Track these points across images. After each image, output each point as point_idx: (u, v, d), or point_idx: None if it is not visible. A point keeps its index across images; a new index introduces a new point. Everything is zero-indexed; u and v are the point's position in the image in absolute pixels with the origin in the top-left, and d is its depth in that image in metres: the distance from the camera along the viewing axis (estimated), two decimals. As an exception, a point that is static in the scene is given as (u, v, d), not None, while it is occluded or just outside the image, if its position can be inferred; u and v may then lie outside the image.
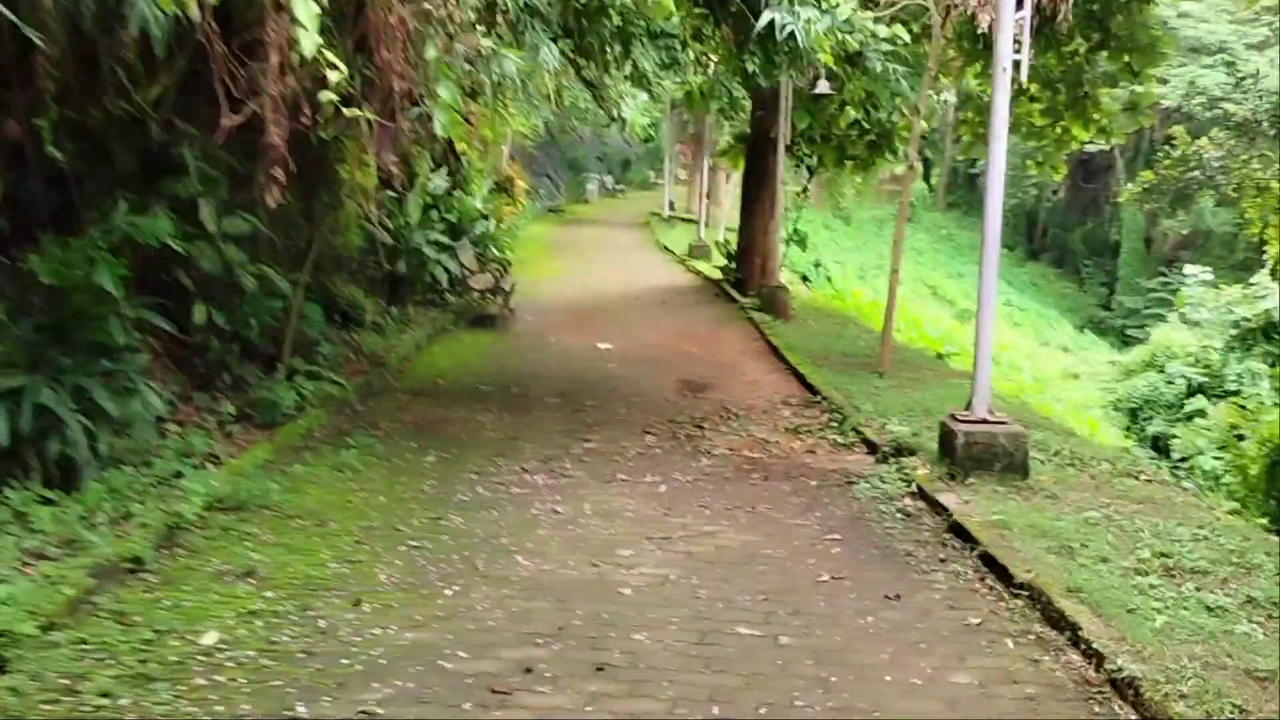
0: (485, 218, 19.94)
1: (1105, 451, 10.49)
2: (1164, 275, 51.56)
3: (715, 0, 10.36)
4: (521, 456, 8.75)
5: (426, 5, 6.18)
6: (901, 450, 9.04)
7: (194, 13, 5.12)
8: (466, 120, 6.84)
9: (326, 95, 5.28)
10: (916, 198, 59.96)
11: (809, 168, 21.10)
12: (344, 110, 6.03)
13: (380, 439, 8.98)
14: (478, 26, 7.19)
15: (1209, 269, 38.60)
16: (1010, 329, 45.80)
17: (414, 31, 6.11)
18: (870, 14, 10.16)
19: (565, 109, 15.96)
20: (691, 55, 16.30)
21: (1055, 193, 58.91)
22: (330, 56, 5.03)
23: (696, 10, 11.07)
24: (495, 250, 19.96)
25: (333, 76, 5.08)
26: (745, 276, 20.83)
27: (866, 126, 19.82)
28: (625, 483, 8.19)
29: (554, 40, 8.74)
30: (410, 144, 19.31)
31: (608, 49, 10.84)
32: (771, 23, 8.74)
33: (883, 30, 9.63)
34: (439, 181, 19.21)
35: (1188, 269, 38.77)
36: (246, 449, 7.99)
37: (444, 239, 15.15)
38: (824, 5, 9.14)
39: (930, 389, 12.54)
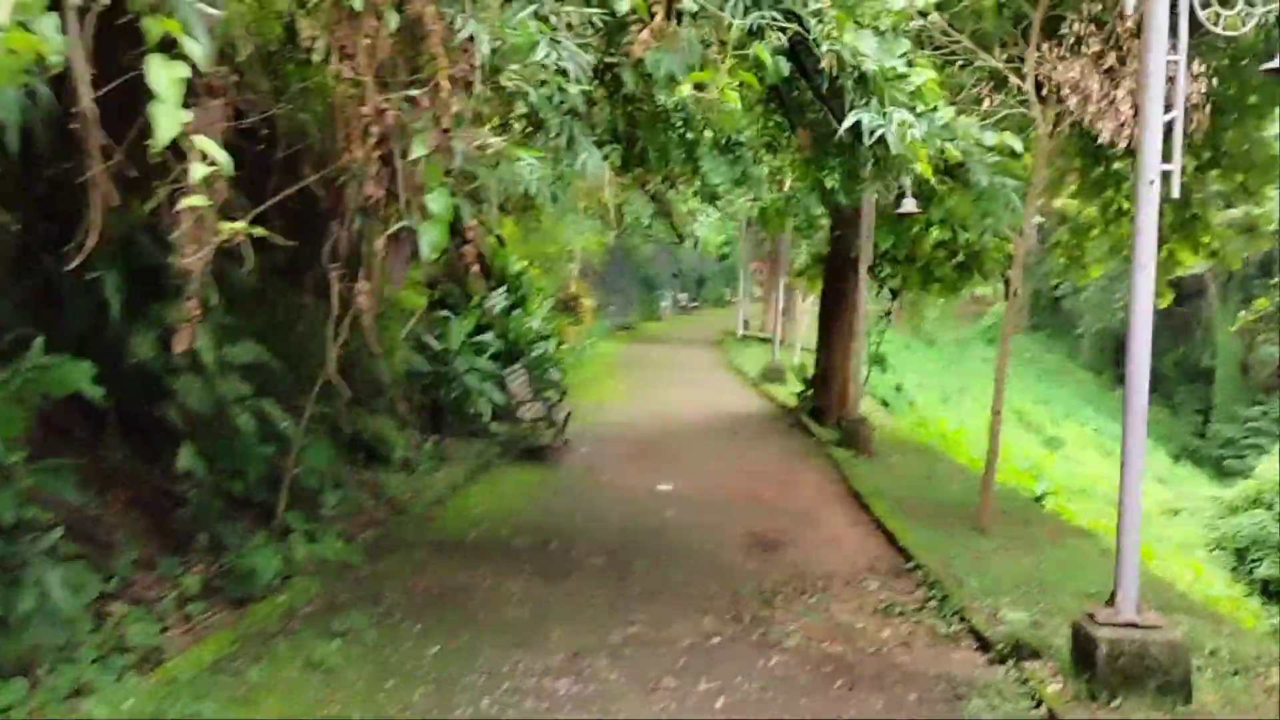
0: (545, 338, 18.52)
1: (1268, 648, 8.43)
2: (1262, 404, 48.59)
3: (793, 106, 8.78)
4: (547, 648, 6.97)
5: (413, 91, 4.69)
6: (1022, 649, 7.12)
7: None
8: (464, 237, 5.37)
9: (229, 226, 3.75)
10: (998, 320, 57.87)
11: (892, 290, 19.41)
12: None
13: (377, 619, 7.26)
14: (487, 121, 5.70)
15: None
16: (1102, 459, 43.05)
17: (395, 124, 4.61)
18: (973, 119, 8.53)
19: (627, 225, 14.50)
20: (765, 169, 14.88)
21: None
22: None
23: (771, 119, 9.54)
24: (553, 373, 18.48)
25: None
26: (823, 405, 19.06)
27: (954, 248, 18.21)
28: (672, 692, 6.35)
29: (600, 145, 7.27)
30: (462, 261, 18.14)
31: (669, 160, 9.33)
32: (858, 126, 7.14)
33: (989, 138, 7.97)
34: (497, 300, 17.90)
35: (1301, 401, 36.09)
36: (202, 639, 6.35)
37: (488, 366, 13.64)
38: (919, 107, 7.52)
39: (1045, 552, 10.57)
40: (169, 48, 2.98)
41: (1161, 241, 18.67)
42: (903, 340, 48.98)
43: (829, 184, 14.61)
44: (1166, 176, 6.73)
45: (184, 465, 7.89)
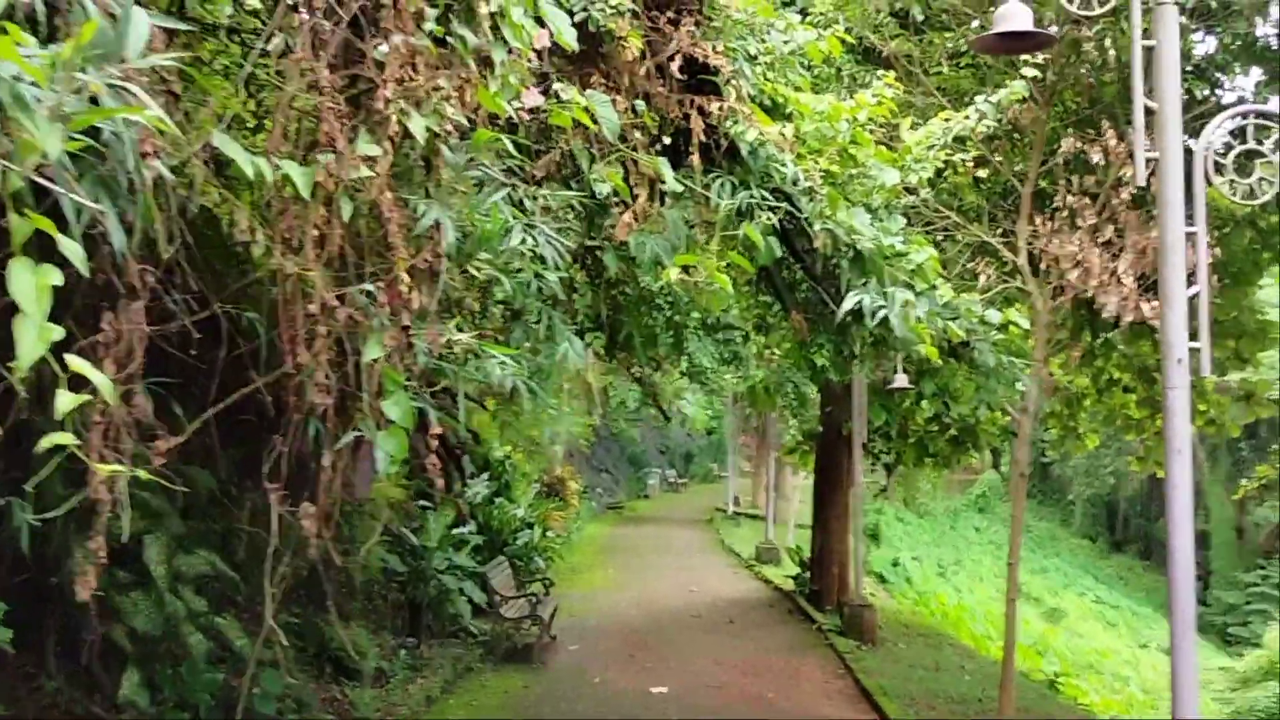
0: (529, 526, 17.71)
1: None
2: (1262, 568, 47.56)
3: (784, 286, 8.33)
4: None
5: (369, 286, 4.12)
6: None
7: None
8: (439, 446, 4.82)
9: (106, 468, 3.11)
10: (988, 488, 57.16)
11: (886, 465, 18.79)
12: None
13: None
14: (459, 312, 5.14)
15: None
16: (1105, 629, 41.77)
17: (347, 322, 4.03)
18: (974, 296, 8.07)
19: (611, 409, 13.95)
20: (754, 349, 14.45)
21: (1135, 482, 55.83)
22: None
23: (761, 298, 9.07)
24: (539, 563, 17.60)
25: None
26: (821, 588, 18.14)
27: (947, 421, 17.69)
28: None
29: (581, 333, 6.72)
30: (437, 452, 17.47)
31: (655, 345, 8.81)
32: (859, 308, 6.64)
33: (993, 315, 7.49)
34: (478, 488, 17.17)
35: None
36: None
37: (468, 562, 12.79)
38: (919, 286, 7.05)
39: (1072, 756, 9.64)
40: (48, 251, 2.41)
41: (1155, 410, 18.24)
42: (894, 512, 48.11)
43: (819, 362, 14.18)
44: (1195, 354, 6.19)
45: (126, 696, 7.06)
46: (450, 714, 10.51)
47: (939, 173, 9.85)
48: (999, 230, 10.16)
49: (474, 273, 4.60)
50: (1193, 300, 6.14)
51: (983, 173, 10.10)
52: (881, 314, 6.29)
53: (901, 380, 15.32)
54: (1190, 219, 6.14)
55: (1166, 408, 6.11)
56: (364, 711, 9.53)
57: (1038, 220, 9.55)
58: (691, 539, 28.93)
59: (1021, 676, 15.90)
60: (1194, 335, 6.17)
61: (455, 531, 15.23)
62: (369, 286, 4.13)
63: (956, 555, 43.83)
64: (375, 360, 4.07)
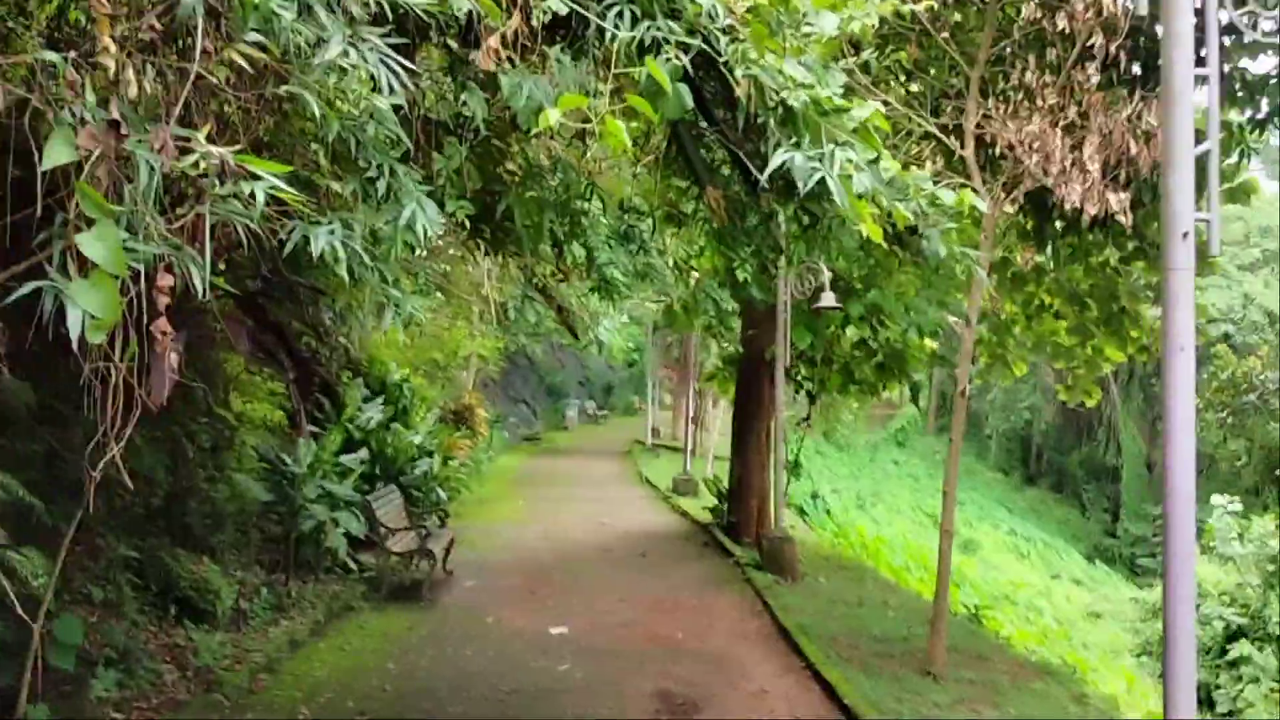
0: (428, 455, 16.29)
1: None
2: (1170, 500, 48.09)
3: (698, 159, 6.91)
4: None
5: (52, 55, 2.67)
6: None
7: None
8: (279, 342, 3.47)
9: None
10: (907, 422, 56.91)
11: (809, 394, 17.66)
12: None
13: None
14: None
15: (1232, 497, 35.25)
16: (1018, 561, 41.69)
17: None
18: (925, 172, 6.74)
19: (511, 324, 12.46)
20: (670, 260, 13.09)
21: (1049, 416, 56.06)
22: None
23: (671, 180, 7.64)
24: (440, 494, 16.21)
25: None
26: (739, 520, 17.05)
27: (874, 346, 16.61)
28: None
29: (441, 202, 5.29)
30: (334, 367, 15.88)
31: (542, 234, 7.37)
32: (787, 171, 5.29)
33: (947, 195, 6.17)
34: (372, 413, 15.69)
35: (1215, 498, 35.33)
36: None
37: (344, 491, 11.34)
38: (860, 154, 5.70)
39: (1010, 701, 8.62)
40: None
41: (1086, 337, 17.32)
42: (814, 445, 47.50)
43: (741, 275, 12.88)
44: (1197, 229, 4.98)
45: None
46: (317, 659, 9.14)
47: (884, 39, 8.54)
48: (944, 117, 8.86)
49: (237, 57, 3.13)
50: (1200, 161, 4.91)
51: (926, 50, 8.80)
52: (816, 177, 4.94)
53: (829, 299, 14.12)
54: (1201, 59, 4.90)
55: (1168, 294, 4.92)
56: (209, 658, 8.12)
57: (990, 103, 8.29)
58: (608, 471, 27.74)
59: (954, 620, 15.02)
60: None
61: (343, 458, 13.81)
62: (53, 56, 2.67)
63: (875, 488, 43.37)
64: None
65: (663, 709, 8.14)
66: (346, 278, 4.22)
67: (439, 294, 20.32)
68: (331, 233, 4.06)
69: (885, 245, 6.60)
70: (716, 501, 18.18)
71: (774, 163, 4.88)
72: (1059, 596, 37.83)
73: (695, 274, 14.37)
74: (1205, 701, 23.92)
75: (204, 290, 3.26)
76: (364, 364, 16.76)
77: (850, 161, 4.92)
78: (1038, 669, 10.92)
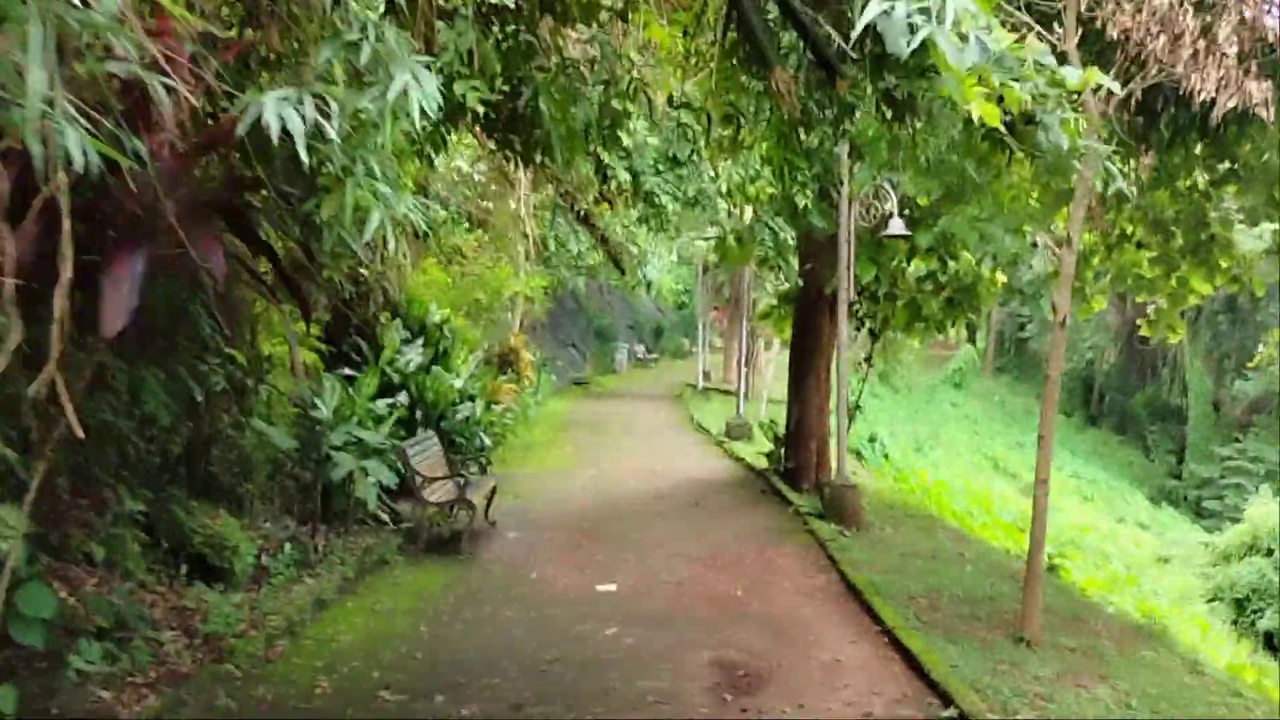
0: (470, 399, 15.40)
1: None
2: (1238, 440, 46.29)
3: (760, 27, 5.75)
4: None
5: None
6: None
7: None
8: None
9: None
10: (964, 364, 55.31)
11: (872, 331, 16.51)
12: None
13: None
14: None
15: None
16: (1082, 504, 40.32)
17: None
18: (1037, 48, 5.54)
19: (551, 255, 11.32)
20: (724, 185, 12.01)
21: (1112, 357, 54.28)
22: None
23: (729, 72, 6.49)
24: (483, 440, 15.34)
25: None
26: (797, 466, 16.04)
27: (942, 280, 15.42)
28: None
29: (450, 80, 4.25)
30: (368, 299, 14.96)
31: (575, 141, 6.29)
32: (876, 47, 4.18)
33: (1070, 74, 5.01)
34: (411, 355, 14.81)
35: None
36: None
37: (373, 438, 10.41)
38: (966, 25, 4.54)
39: (1120, 673, 7.57)
40: None
41: (1171, 268, 15.95)
42: (868, 387, 46.22)
43: (800, 201, 11.76)
44: None
45: None
46: (343, 621, 8.28)
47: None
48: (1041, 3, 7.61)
49: None
50: None
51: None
52: (922, 35, 3.83)
53: (897, 226, 12.95)
54: None
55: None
56: (220, 624, 7.29)
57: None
58: (658, 415, 26.79)
59: (1010, 556, 13.96)
60: None
61: (380, 403, 12.96)
62: None
63: (932, 431, 42.10)
64: None
65: (723, 682, 7.19)
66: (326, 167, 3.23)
67: (480, 230, 19.33)
68: (285, 101, 3.05)
69: (982, 144, 5.47)
70: (773, 446, 17.17)
71: (869, 13, 3.77)
72: (1125, 541, 36.52)
73: (750, 204, 13.26)
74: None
75: (82, 164, 2.28)
76: (402, 304, 15.86)
77: (968, 15, 3.80)
78: (1144, 633, 9.84)
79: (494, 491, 12.53)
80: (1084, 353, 54.87)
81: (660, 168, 11.51)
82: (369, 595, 9.10)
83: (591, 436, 21.80)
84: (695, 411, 26.27)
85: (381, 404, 13.00)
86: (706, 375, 32.74)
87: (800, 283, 16.26)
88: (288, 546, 9.03)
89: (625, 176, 11.01)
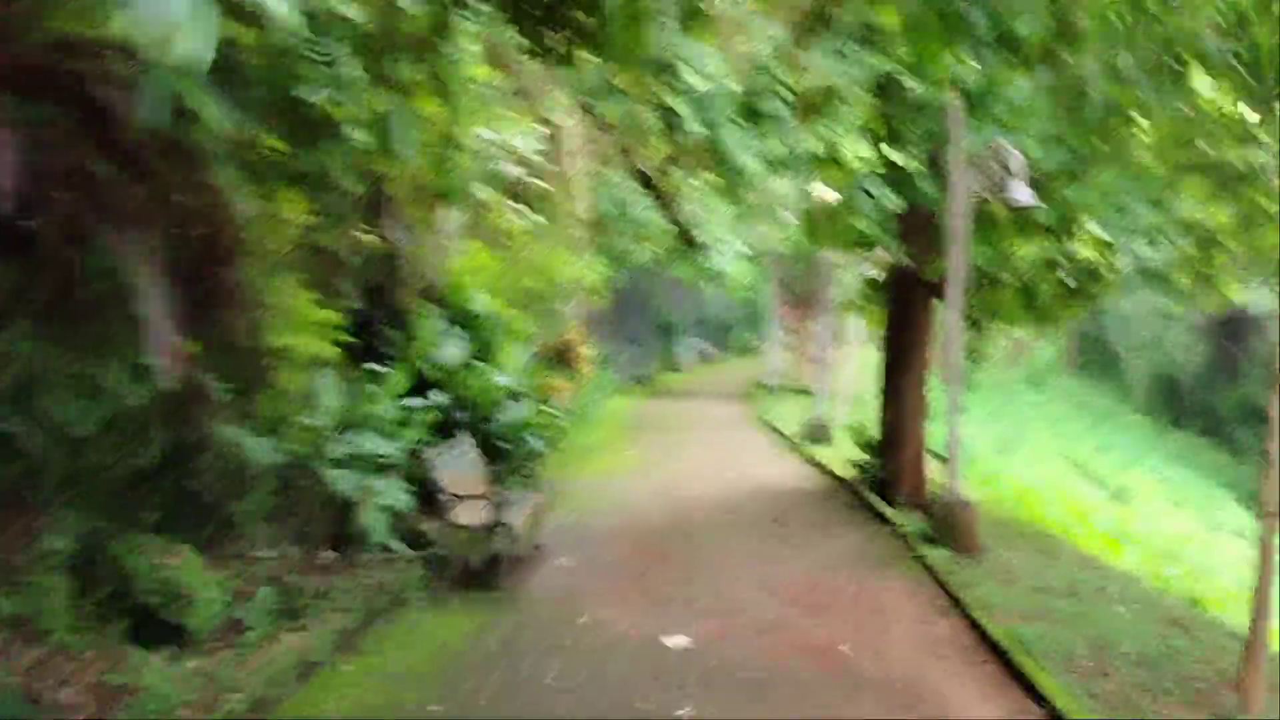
0: (517, 398, 13.35)
1: None
2: (1339, 444, 42.82)
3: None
4: None
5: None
6: None
7: None
8: None
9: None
10: (1043, 361, 52.19)
11: (973, 320, 14.13)
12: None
13: None
14: None
15: None
16: (1173, 510, 37.27)
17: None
18: None
19: (601, 216, 8.98)
20: (815, 142, 9.81)
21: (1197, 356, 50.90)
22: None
23: None
24: (532, 444, 13.27)
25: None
26: (891, 476, 13.74)
27: (1064, 263, 13.11)
28: None
29: None
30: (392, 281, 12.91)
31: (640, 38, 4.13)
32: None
33: None
34: (453, 349, 12.80)
35: None
36: None
37: (382, 447, 8.30)
38: None
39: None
40: None
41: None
42: (942, 385, 43.45)
43: (910, 164, 9.52)
44: None
45: None
46: (333, 692, 6.20)
47: None
48: None
49: None
50: None
51: None
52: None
53: (1024, 195, 10.63)
54: None
55: None
56: (154, 706, 5.25)
57: None
58: (728, 415, 24.53)
59: (1158, 592, 11.57)
60: None
61: (412, 401, 10.98)
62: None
63: (1015, 432, 39.31)
64: None
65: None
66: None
67: (530, 210, 17.25)
68: None
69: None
70: (862, 453, 14.87)
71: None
72: (1226, 551, 33.40)
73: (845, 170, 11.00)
74: None
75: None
76: (443, 291, 13.84)
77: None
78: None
79: (542, 509, 10.43)
80: (1168, 351, 51.58)
81: (739, 122, 9.31)
82: (374, 652, 7.01)
83: (656, 438, 19.63)
84: (767, 411, 23.96)
85: (416, 403, 11.03)
86: (777, 373, 30.38)
87: (895, 268, 13.95)
88: (262, 590, 6.95)
89: (698, 129, 8.83)
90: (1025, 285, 13.08)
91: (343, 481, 7.41)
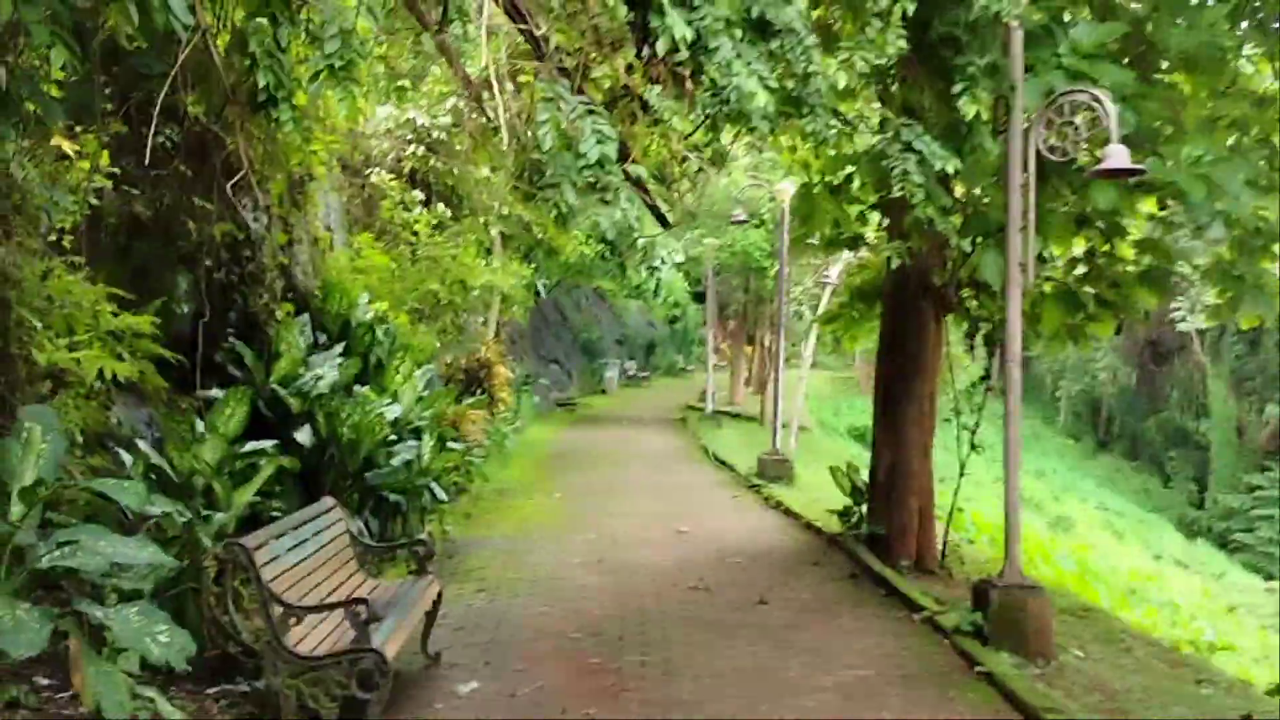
0: (415, 434, 9.85)
1: None
2: (1269, 469, 41.16)
3: None
4: None
5: None
6: None
7: None
8: None
9: None
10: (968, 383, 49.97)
11: (988, 338, 10.99)
12: None
13: None
14: None
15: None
16: (1115, 541, 34.89)
17: None
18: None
19: (537, 144, 5.68)
20: (839, 74, 6.56)
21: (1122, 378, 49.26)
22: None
23: None
24: (430, 495, 9.77)
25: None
26: (893, 532, 10.56)
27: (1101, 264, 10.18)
28: None
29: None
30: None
31: None
32: None
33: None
34: (324, 370, 9.26)
35: None
36: None
37: (132, 554, 4.61)
38: None
39: None
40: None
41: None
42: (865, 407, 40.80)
43: (969, 107, 6.24)
44: None
45: None
46: None
47: None
48: None
49: None
50: None
51: None
52: None
53: (1118, 156, 7.45)
54: None
55: None
56: None
57: None
58: (665, 445, 21.11)
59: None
60: None
61: (260, 445, 7.52)
62: None
63: (948, 458, 36.65)
64: None
65: None
66: None
67: (442, 206, 13.70)
68: None
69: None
70: (850, 498, 11.63)
71: None
72: (1177, 584, 31.03)
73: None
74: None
75: None
76: (315, 294, 10.27)
77: None
78: None
79: (438, 602, 6.92)
80: (1094, 373, 49.86)
81: (740, 35, 6.04)
82: None
83: (586, 476, 16.16)
84: (709, 441, 20.62)
85: (259, 446, 7.52)
86: (712, 396, 27.19)
87: (894, 269, 10.76)
88: None
89: (684, 33, 5.57)
90: (1066, 290, 10.02)
91: (24, 629, 3.77)
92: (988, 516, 18.82)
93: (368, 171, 13.05)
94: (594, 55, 5.53)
